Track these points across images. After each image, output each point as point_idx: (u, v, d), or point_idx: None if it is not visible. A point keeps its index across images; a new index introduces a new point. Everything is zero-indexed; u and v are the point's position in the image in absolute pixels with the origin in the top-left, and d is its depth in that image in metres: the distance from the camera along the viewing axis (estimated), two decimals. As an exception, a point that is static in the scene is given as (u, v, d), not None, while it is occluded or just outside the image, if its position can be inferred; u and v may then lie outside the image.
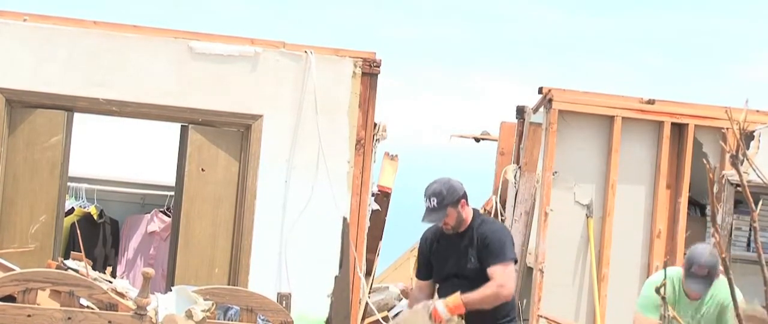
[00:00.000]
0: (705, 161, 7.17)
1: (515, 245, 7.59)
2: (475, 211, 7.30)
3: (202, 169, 9.00)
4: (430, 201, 7.11)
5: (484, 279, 7.08)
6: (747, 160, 4.12)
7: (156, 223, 11.37)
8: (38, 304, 6.46)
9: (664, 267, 7.23)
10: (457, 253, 7.19)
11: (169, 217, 11.12)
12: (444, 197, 7.08)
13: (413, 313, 7.16)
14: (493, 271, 7.05)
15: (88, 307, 6.56)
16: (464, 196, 7.18)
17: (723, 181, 9.64)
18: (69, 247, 10.45)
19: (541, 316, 9.47)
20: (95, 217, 11.25)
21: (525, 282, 9.87)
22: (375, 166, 9.46)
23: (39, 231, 8.78)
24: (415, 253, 11.83)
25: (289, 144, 9.07)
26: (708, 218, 10.24)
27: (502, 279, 7.03)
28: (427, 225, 7.37)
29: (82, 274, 6.81)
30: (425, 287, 7.37)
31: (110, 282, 6.92)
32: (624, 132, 9.73)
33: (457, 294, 6.98)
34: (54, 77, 8.83)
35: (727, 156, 8.79)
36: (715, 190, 9.58)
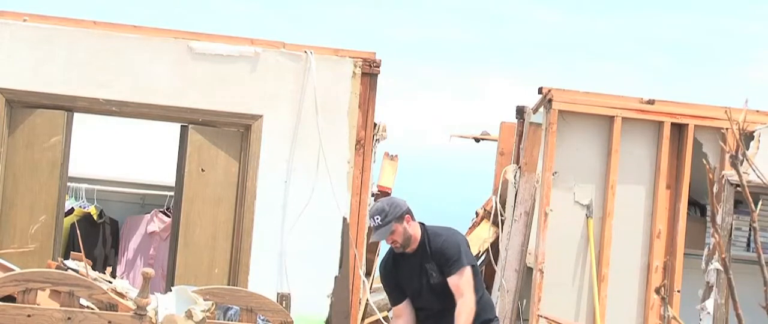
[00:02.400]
0: (705, 161, 7.17)
1: (471, 247, 7.65)
2: (422, 225, 7.35)
3: (202, 170, 9.00)
4: (374, 219, 7.23)
5: (447, 291, 7.16)
6: (747, 160, 4.12)
7: (156, 223, 11.37)
8: (38, 304, 6.46)
9: (665, 267, 7.23)
10: (418, 271, 7.26)
11: (169, 217, 11.12)
12: (387, 213, 7.20)
13: None
14: (454, 284, 7.15)
15: (88, 307, 6.56)
16: (408, 211, 7.27)
17: (723, 182, 9.64)
18: (69, 248, 10.45)
19: (541, 316, 9.47)
20: (95, 217, 11.25)
21: (525, 282, 9.88)
22: (375, 166, 9.46)
23: (39, 231, 8.78)
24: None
25: (289, 144, 9.07)
26: (708, 218, 10.24)
27: (467, 292, 7.13)
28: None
29: (82, 275, 6.81)
30: (403, 310, 7.38)
31: (110, 282, 6.92)
32: (624, 132, 9.73)
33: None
34: (54, 77, 8.83)
35: (727, 156, 8.78)
36: (714, 191, 9.58)
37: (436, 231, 7.36)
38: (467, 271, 7.19)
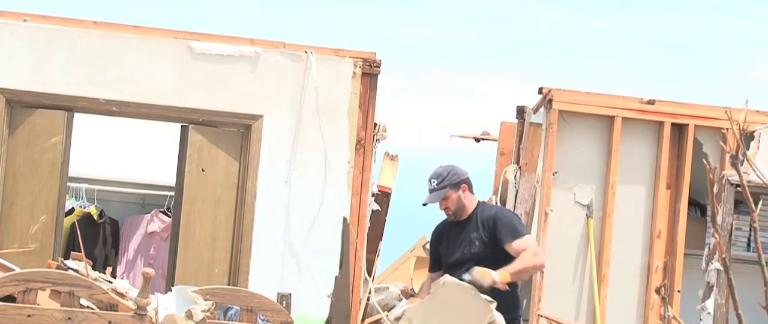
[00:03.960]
0: (705, 161, 7.17)
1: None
2: (480, 202, 7.37)
3: (202, 170, 8.99)
4: (430, 182, 7.28)
5: (488, 262, 7.13)
6: (747, 160, 4.13)
7: (156, 223, 11.37)
8: (38, 305, 6.46)
9: (665, 267, 7.23)
10: (463, 240, 7.27)
11: (169, 217, 11.13)
12: (444, 178, 7.23)
13: (435, 290, 7.04)
14: (519, 243, 7.11)
15: (88, 307, 6.56)
16: (466, 181, 7.29)
17: (723, 182, 9.64)
18: (69, 248, 10.45)
19: (541, 316, 9.47)
20: (95, 217, 11.25)
21: (525, 282, 9.87)
22: (375, 166, 9.46)
23: (39, 231, 8.78)
24: (415, 253, 11.85)
25: (289, 144, 9.07)
26: (708, 218, 10.23)
27: (534, 248, 7.14)
28: (434, 215, 7.48)
29: (82, 275, 6.81)
30: (437, 277, 7.45)
31: (110, 282, 6.92)
32: (624, 132, 9.73)
33: (502, 269, 7.01)
34: (54, 77, 8.83)
35: (727, 156, 8.79)
36: (715, 191, 9.58)
37: (490, 205, 7.42)
38: (531, 238, 7.21)
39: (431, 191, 7.30)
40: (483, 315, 6.89)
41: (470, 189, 7.36)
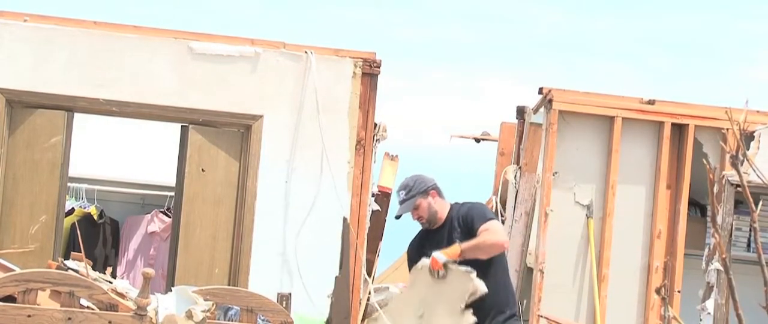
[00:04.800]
0: (705, 162, 7.17)
1: (510, 237, 7.73)
2: (452, 204, 7.43)
3: (203, 170, 8.99)
4: (399, 194, 7.40)
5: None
6: (747, 160, 4.12)
7: (156, 223, 11.37)
8: (38, 305, 6.46)
9: (665, 268, 7.23)
10: (449, 244, 7.31)
11: (169, 217, 11.12)
12: (411, 188, 7.35)
13: (414, 276, 7.25)
14: (482, 228, 7.21)
15: (88, 307, 6.56)
16: (434, 187, 7.38)
17: (723, 182, 9.64)
18: (69, 248, 10.45)
19: (541, 317, 9.47)
20: (95, 217, 11.25)
21: (525, 282, 9.88)
22: (375, 166, 9.46)
23: (39, 231, 8.78)
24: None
25: (289, 144, 9.07)
26: (708, 219, 10.23)
27: (493, 229, 7.20)
28: (407, 224, 7.55)
29: (82, 275, 6.81)
30: None
31: (110, 282, 6.92)
32: (624, 132, 9.73)
33: (455, 244, 7.14)
34: (54, 77, 8.83)
35: (728, 156, 8.79)
36: (715, 191, 9.58)
37: (461, 204, 7.48)
38: (496, 222, 7.29)
39: (401, 203, 7.41)
40: (464, 284, 7.04)
41: (439, 194, 7.44)
